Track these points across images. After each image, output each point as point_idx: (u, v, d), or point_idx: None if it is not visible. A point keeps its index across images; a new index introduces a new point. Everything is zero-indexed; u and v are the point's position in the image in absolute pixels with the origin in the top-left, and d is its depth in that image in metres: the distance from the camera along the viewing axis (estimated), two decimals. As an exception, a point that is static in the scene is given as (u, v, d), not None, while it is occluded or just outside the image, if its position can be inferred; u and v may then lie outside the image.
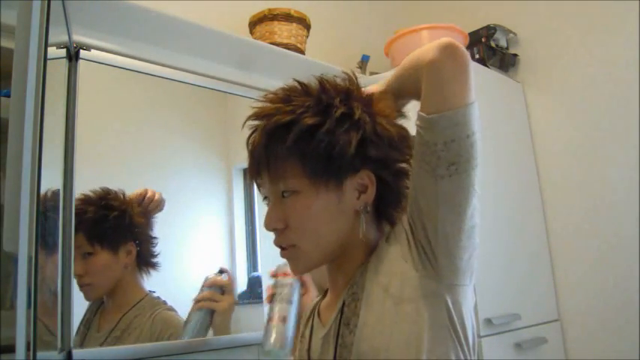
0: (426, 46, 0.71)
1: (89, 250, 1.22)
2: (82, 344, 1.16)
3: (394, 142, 0.77)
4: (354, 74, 0.82)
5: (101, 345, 1.19)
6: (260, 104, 0.78)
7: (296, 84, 0.79)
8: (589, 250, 1.87)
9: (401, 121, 0.83)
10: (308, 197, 0.75)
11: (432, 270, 0.70)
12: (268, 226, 0.78)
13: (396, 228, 0.77)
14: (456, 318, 0.71)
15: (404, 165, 0.80)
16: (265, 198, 0.81)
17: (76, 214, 1.18)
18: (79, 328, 1.16)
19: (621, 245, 1.80)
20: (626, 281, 1.76)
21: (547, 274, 1.93)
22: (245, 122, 0.79)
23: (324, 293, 0.90)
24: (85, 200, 1.23)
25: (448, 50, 0.69)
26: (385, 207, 0.81)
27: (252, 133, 0.79)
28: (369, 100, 0.80)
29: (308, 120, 0.73)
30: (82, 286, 1.19)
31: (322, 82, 0.78)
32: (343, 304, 0.77)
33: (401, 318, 0.70)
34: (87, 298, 1.22)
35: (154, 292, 1.32)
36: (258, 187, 0.81)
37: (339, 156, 0.73)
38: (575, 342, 1.87)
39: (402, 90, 0.79)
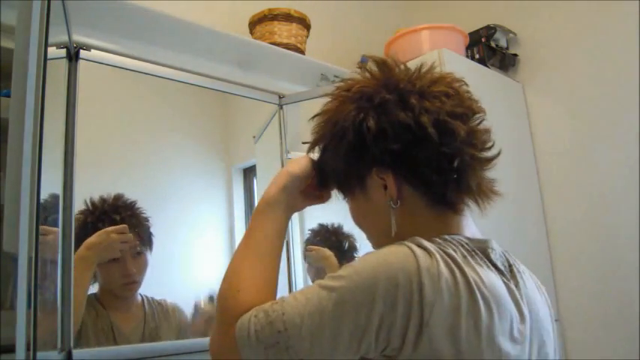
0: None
1: (141, 249, 1.29)
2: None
3: (391, 134, 0.72)
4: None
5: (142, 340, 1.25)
6: None
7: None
8: (589, 250, 1.87)
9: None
10: (349, 201, 0.81)
11: None
12: None
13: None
14: None
15: (429, 153, 0.74)
16: None
17: (139, 214, 1.30)
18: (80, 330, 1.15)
19: (621, 245, 1.79)
20: (626, 281, 1.76)
21: (547, 274, 1.93)
22: None
23: None
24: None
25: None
26: (433, 198, 0.77)
27: None
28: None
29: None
30: (131, 284, 1.27)
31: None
32: None
33: None
34: (131, 295, 1.28)
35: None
36: None
37: (348, 162, 0.76)
38: (575, 342, 1.87)
39: None
